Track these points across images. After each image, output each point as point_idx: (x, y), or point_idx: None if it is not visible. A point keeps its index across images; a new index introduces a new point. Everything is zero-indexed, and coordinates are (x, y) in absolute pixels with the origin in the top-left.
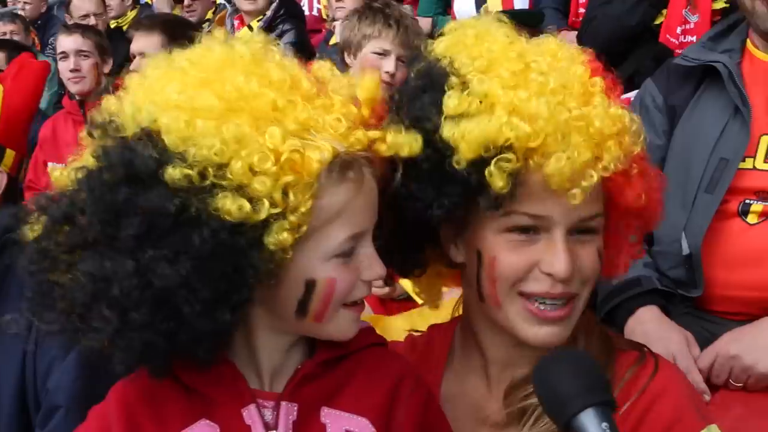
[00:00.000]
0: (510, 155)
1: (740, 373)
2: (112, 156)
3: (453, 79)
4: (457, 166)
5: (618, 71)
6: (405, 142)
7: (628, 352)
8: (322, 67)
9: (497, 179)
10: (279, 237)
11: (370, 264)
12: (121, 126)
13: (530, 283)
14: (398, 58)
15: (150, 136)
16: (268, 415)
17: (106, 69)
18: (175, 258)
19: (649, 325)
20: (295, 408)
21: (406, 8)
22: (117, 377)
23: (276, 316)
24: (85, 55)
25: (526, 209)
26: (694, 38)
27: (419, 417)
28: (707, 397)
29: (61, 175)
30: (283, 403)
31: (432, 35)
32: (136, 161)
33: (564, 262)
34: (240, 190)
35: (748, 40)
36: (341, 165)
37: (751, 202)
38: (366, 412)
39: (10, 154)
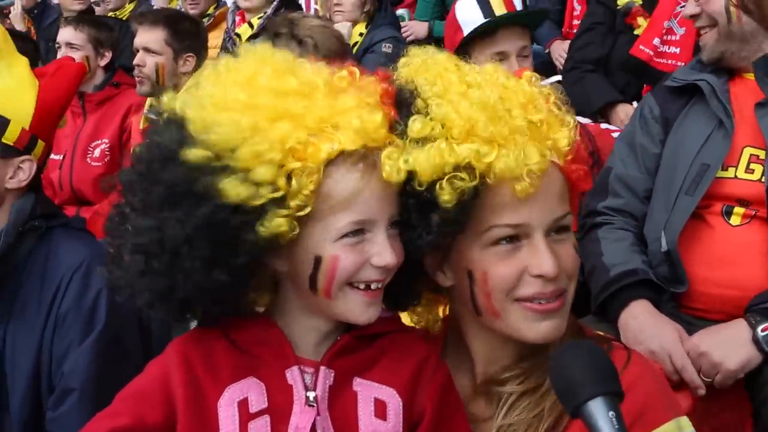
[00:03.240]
0: (463, 174)
1: (709, 368)
2: (148, 136)
3: (419, 102)
4: (418, 188)
5: None
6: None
7: (600, 345)
8: (349, 70)
9: (445, 194)
10: (271, 223)
11: (380, 251)
12: (162, 114)
13: (523, 288)
14: None
15: (175, 122)
16: (308, 378)
17: (103, 62)
18: (184, 220)
19: (642, 320)
20: (332, 374)
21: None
22: (129, 363)
23: (301, 292)
24: (75, 48)
25: (505, 221)
26: (677, 50)
27: (439, 393)
28: (702, 392)
29: None
30: (322, 368)
31: (429, 39)
32: (162, 142)
33: (550, 262)
34: (246, 173)
35: None
36: (354, 157)
37: (734, 206)
38: (394, 384)
39: (40, 145)
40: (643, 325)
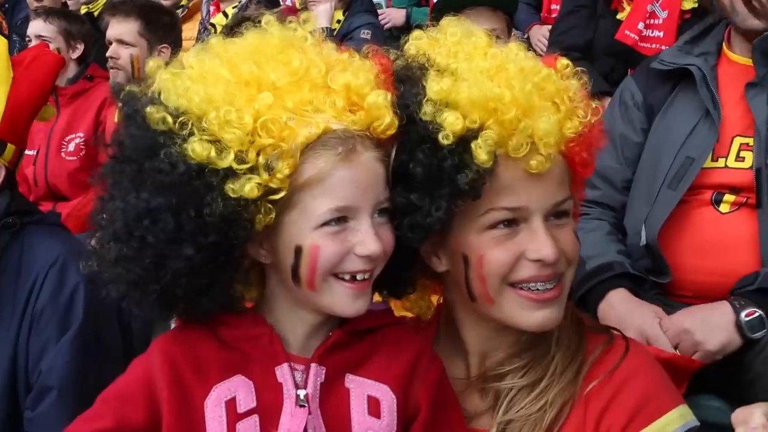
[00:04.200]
0: (490, 131)
1: (689, 347)
2: (120, 97)
3: (432, 71)
4: (445, 142)
5: None
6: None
7: (599, 334)
8: (345, 54)
9: (482, 153)
10: (241, 186)
11: (364, 240)
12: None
13: (518, 272)
14: None
15: (149, 94)
16: (299, 376)
17: (74, 54)
18: (149, 193)
19: (619, 308)
20: (323, 371)
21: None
22: (109, 360)
23: (287, 285)
24: (45, 40)
25: (504, 204)
26: (660, 33)
27: (434, 388)
28: None
29: None
30: (313, 365)
31: (405, 27)
32: (128, 101)
33: (549, 246)
34: (214, 140)
35: (723, 43)
36: (333, 141)
37: (724, 193)
38: (387, 381)
39: (10, 149)
40: (619, 313)
